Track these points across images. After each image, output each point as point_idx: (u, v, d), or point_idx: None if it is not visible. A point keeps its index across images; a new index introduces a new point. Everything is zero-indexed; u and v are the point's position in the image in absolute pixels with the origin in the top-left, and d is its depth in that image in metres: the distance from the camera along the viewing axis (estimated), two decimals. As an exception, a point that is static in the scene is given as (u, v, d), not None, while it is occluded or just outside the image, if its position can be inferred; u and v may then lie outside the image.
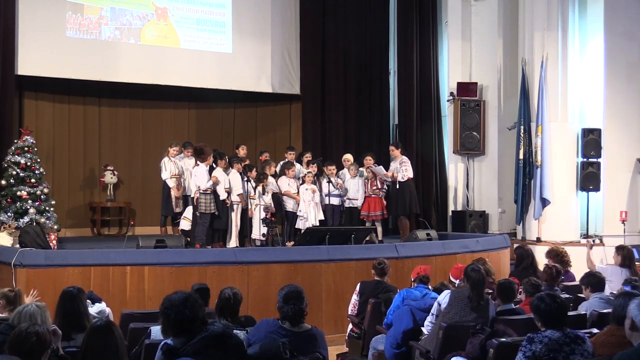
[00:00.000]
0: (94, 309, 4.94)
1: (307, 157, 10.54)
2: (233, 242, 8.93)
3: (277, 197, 9.53)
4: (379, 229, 10.06)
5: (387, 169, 10.23)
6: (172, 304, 3.03)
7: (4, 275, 6.38)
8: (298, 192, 9.65)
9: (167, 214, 9.74)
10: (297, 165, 10.20)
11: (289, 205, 9.68)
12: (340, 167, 10.47)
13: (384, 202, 10.19)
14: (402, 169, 9.97)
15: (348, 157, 10.62)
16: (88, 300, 4.61)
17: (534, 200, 10.51)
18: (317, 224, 9.45)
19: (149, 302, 6.55)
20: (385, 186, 10.26)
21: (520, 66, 11.07)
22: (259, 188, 9.12)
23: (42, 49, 10.16)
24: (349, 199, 10.10)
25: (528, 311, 4.50)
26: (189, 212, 8.96)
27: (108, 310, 5.19)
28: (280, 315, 3.79)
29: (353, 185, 10.14)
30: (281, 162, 10.26)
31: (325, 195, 9.88)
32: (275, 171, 9.91)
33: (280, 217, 9.66)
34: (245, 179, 9.08)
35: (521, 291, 5.58)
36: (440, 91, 12.20)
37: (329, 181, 9.81)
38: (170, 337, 3.09)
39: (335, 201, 9.97)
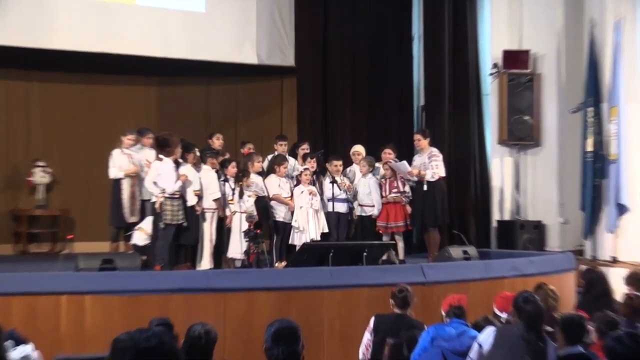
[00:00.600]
0: (15, 354, 4.77)
1: (304, 149, 10.49)
2: (205, 262, 8.93)
3: (264, 203, 9.48)
4: (400, 245, 10.02)
5: (410, 164, 10.18)
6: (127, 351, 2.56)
7: None
8: (292, 197, 9.67)
9: (118, 225, 9.68)
10: (291, 160, 10.19)
11: (280, 213, 9.65)
12: (348, 162, 10.50)
13: (407, 210, 10.17)
14: (431, 165, 9.96)
15: (359, 149, 10.56)
16: (8, 342, 4.48)
17: (607, 207, 10.57)
18: (318, 238, 9.46)
19: (92, 343, 6.42)
20: (408, 188, 10.23)
21: (587, 29, 11.15)
22: (239, 190, 9.13)
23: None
24: (360, 205, 10.10)
25: (602, 356, 4.39)
26: (147, 223, 8.96)
27: (36, 355, 5.01)
28: (267, 360, 3.59)
29: (365, 187, 10.15)
30: (269, 156, 10.21)
31: (328, 201, 9.86)
32: (262, 168, 9.89)
33: (268, 228, 9.64)
34: (223, 178, 9.07)
35: (592, 329, 5.51)
36: (480, 62, 12.29)
37: (333, 181, 9.76)
38: None
39: (341, 208, 10.00)
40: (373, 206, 10.06)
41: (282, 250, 9.60)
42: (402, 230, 10.16)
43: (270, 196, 9.61)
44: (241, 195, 9.09)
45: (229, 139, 10.61)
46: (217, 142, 10.12)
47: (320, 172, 10.17)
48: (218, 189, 8.98)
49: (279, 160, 9.81)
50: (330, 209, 9.91)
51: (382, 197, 10.08)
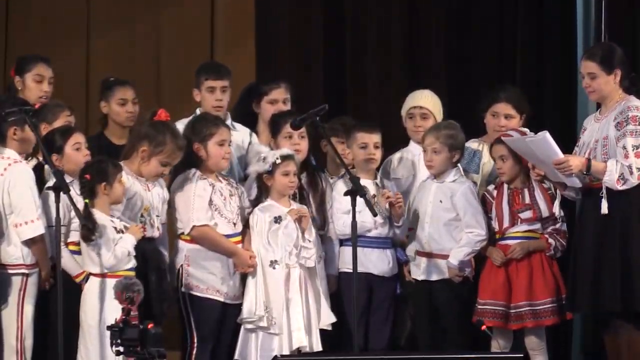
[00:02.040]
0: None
1: (275, 101, 6.28)
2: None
3: (153, 246, 5.72)
4: None
5: (568, 148, 5.89)
6: None
7: None
8: (241, 236, 5.80)
9: None
10: (239, 135, 6.22)
11: (207, 278, 5.76)
12: (392, 140, 6.35)
13: (556, 269, 5.86)
14: (624, 144, 5.55)
15: (424, 101, 6.23)
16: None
17: None
18: (315, 344, 5.60)
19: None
20: (558, 209, 5.86)
21: None
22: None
23: None
24: (423, 253, 5.94)
25: None
26: None
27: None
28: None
29: (440, 207, 6.04)
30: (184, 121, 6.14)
31: (344, 243, 5.89)
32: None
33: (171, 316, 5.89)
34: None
35: None
36: None
37: (356, 192, 5.52)
38: None
39: (379, 262, 5.86)
40: (460, 253, 5.90)
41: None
42: (547, 323, 5.84)
43: (189, 226, 5.72)
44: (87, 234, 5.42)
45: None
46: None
47: (318, 168, 6.01)
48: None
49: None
50: (347, 264, 5.67)
51: (488, 231, 5.96)
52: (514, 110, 5.89)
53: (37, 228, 4.87)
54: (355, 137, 5.64)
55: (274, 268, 5.40)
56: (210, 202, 5.35)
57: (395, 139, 6.29)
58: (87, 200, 4.92)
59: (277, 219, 5.32)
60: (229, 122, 5.82)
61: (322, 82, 7.72)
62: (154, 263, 5.31)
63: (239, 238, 5.42)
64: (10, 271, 4.91)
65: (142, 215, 5.29)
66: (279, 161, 5.29)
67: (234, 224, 5.42)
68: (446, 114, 6.18)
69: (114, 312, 4.81)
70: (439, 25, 8.24)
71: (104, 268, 5.03)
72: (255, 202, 5.56)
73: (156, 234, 5.27)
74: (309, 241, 5.43)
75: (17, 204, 4.88)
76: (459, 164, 5.76)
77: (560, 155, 5.39)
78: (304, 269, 5.38)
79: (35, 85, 5.87)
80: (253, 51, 7.66)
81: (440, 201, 5.69)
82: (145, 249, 5.25)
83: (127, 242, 5.07)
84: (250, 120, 6.14)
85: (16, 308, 4.94)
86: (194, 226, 5.37)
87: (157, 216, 5.37)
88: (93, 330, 4.99)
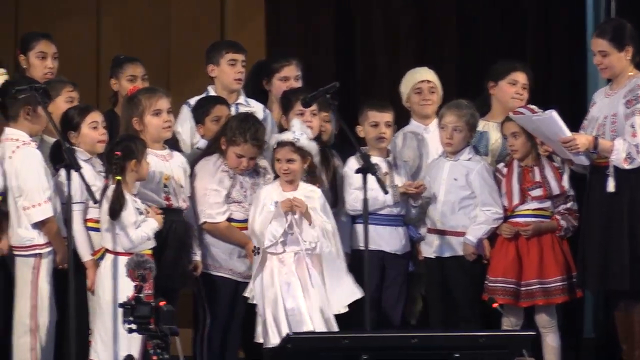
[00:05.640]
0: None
1: (286, 78, 6.25)
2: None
3: (183, 230, 5.60)
4: (551, 341, 5.87)
5: (574, 125, 5.88)
6: None
7: None
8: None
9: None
10: (255, 109, 6.14)
11: (223, 261, 5.74)
12: (403, 117, 6.31)
13: (566, 249, 5.85)
14: (633, 123, 5.60)
15: (429, 74, 6.41)
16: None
17: None
18: (329, 323, 5.50)
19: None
20: (568, 186, 5.86)
21: None
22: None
23: None
24: (436, 231, 5.99)
25: None
26: None
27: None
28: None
29: (455, 184, 6.03)
30: (192, 101, 6.14)
31: (355, 221, 5.89)
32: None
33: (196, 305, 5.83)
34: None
35: None
36: None
37: (367, 169, 5.48)
38: None
39: (392, 240, 5.89)
40: (477, 231, 5.94)
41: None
42: (558, 300, 5.90)
43: (201, 220, 5.71)
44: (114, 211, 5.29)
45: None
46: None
47: (331, 146, 5.96)
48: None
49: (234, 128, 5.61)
50: (360, 242, 5.63)
51: (503, 210, 5.97)
52: (528, 82, 5.97)
53: (46, 211, 4.87)
54: (366, 115, 5.66)
55: (278, 245, 5.43)
56: (229, 195, 5.43)
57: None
58: (119, 177, 4.93)
59: (278, 204, 5.35)
60: (242, 98, 5.82)
61: (332, 60, 7.68)
62: (177, 237, 5.35)
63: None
64: (23, 252, 4.93)
65: (165, 186, 5.33)
66: (275, 147, 5.35)
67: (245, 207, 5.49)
68: (455, 92, 6.25)
69: (127, 289, 4.76)
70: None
71: (123, 248, 5.02)
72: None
73: (183, 205, 5.29)
74: (295, 231, 5.37)
75: (25, 187, 4.90)
76: (470, 143, 5.84)
77: (567, 133, 5.42)
78: (308, 255, 5.36)
79: (39, 63, 5.84)
80: (263, 30, 7.63)
81: (455, 179, 5.69)
82: (174, 221, 5.30)
83: (149, 227, 5.07)
84: (260, 99, 6.13)
85: (30, 287, 4.94)
86: (205, 221, 5.51)
87: (181, 187, 5.40)
88: (107, 307, 4.99)
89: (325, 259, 5.35)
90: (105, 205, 5.04)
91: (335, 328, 5.39)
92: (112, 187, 5.05)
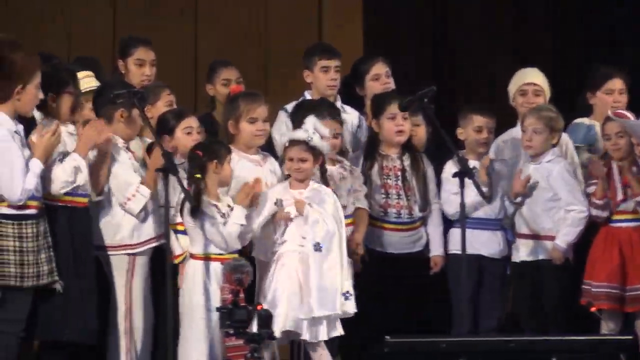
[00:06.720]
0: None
1: (380, 75, 6.18)
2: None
3: None
4: None
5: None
6: None
7: None
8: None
9: None
10: (351, 115, 6.21)
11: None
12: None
13: None
14: None
15: (534, 76, 6.39)
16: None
17: None
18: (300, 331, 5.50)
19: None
20: None
21: None
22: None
23: None
24: (526, 235, 6.02)
25: None
26: None
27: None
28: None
29: (543, 190, 5.98)
30: (289, 107, 6.07)
31: (455, 223, 5.96)
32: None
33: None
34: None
35: None
36: None
37: (463, 173, 5.48)
38: None
39: (489, 243, 5.95)
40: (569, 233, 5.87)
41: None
42: None
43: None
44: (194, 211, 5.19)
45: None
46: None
47: (424, 152, 6.09)
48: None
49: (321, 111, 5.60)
50: (457, 246, 5.60)
51: (607, 207, 5.90)
52: (625, 86, 5.89)
53: (139, 200, 4.91)
54: (470, 118, 5.66)
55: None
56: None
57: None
58: (199, 175, 4.87)
59: (279, 202, 5.21)
60: (339, 103, 5.78)
61: (430, 61, 7.73)
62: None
63: (350, 220, 5.36)
64: (116, 252, 4.92)
65: None
66: (287, 144, 5.25)
67: (344, 206, 5.33)
68: (553, 95, 6.16)
69: (215, 294, 4.90)
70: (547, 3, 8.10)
71: (218, 248, 4.93)
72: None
73: None
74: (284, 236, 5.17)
75: (115, 185, 4.96)
76: (556, 146, 5.73)
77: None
78: (310, 256, 5.15)
79: (137, 69, 5.86)
80: (361, 32, 7.59)
81: (537, 182, 5.71)
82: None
83: (237, 218, 4.91)
84: (356, 107, 6.12)
85: (124, 289, 4.96)
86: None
87: None
88: (198, 311, 4.95)
89: (317, 261, 5.17)
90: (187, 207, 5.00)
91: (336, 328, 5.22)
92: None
